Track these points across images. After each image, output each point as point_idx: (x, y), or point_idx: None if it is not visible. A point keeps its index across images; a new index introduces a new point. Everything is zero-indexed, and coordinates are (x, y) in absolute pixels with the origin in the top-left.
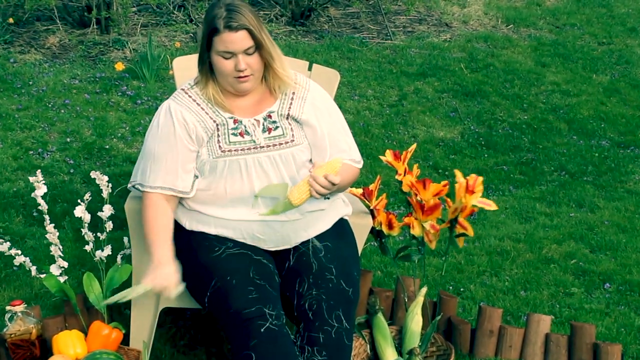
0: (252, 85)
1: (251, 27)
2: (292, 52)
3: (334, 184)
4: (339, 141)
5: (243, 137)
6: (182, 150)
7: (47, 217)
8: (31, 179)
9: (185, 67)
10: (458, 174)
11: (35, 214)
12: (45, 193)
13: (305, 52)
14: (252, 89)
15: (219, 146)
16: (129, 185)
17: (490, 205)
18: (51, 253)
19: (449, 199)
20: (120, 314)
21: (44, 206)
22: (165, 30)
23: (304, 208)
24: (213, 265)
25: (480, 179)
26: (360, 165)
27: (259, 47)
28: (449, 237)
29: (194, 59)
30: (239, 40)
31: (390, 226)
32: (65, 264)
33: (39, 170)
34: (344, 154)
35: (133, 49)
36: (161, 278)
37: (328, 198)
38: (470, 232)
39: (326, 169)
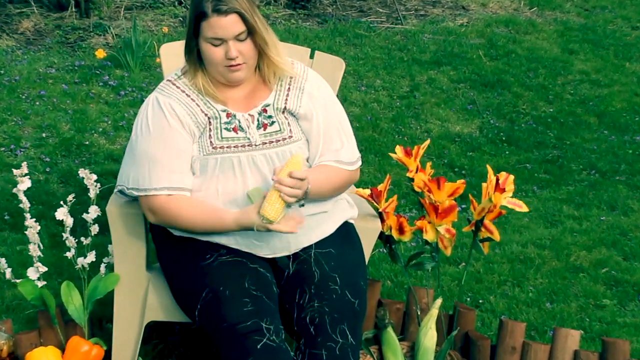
0: (245, 75)
1: (242, 11)
2: (292, 38)
3: (302, 179)
4: (331, 138)
5: (237, 134)
6: (182, 143)
7: (28, 215)
8: (15, 171)
9: (174, 54)
10: (490, 170)
11: (6, 216)
12: (14, 194)
13: (306, 38)
14: (245, 78)
15: (210, 142)
16: (116, 190)
17: (522, 207)
18: (30, 253)
19: (474, 199)
20: (101, 329)
21: (25, 203)
22: (152, 13)
23: (304, 211)
24: (204, 274)
25: (512, 177)
26: (354, 168)
27: (251, 32)
28: (472, 241)
29: (183, 45)
30: (229, 25)
31: (401, 231)
32: (45, 268)
33: (25, 163)
34: (333, 153)
35: (116, 35)
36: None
37: (302, 205)
38: (497, 236)
39: (289, 168)
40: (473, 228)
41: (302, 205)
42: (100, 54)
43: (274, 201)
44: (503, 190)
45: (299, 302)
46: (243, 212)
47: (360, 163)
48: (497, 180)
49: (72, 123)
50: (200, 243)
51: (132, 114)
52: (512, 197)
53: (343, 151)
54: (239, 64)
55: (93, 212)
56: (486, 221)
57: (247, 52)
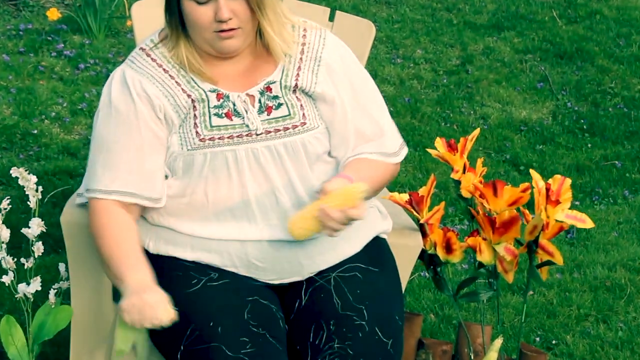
0: (240, 44)
1: None
2: None
3: (355, 220)
4: (363, 124)
5: (231, 120)
6: (148, 136)
7: None
8: None
9: (150, 16)
10: (535, 175)
11: None
12: None
13: None
14: (241, 48)
15: (197, 132)
16: (78, 201)
17: (585, 222)
18: None
19: (527, 212)
20: None
21: None
22: None
23: None
24: (189, 305)
25: (568, 181)
26: (399, 159)
27: None
28: (528, 267)
29: (162, 3)
30: None
31: (448, 249)
32: None
33: None
34: (375, 143)
35: None
36: (145, 305)
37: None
38: (559, 259)
39: (342, 201)
40: (526, 250)
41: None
42: (53, 14)
43: (309, 225)
44: (557, 202)
45: (315, 342)
46: (135, 292)
47: (405, 150)
48: (548, 188)
49: (16, 106)
50: (186, 264)
51: (95, 94)
52: (592, 203)
53: (385, 139)
54: (233, 29)
55: (35, 226)
56: (542, 241)
57: (243, 12)
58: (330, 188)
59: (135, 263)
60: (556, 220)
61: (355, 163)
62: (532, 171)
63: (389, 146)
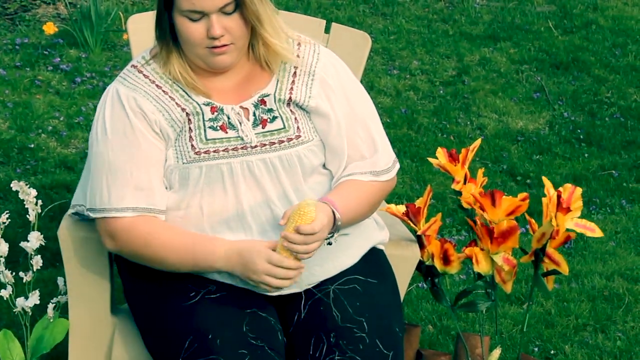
0: (233, 59)
1: None
2: (302, 6)
3: (314, 233)
4: (359, 140)
5: (226, 133)
6: (149, 151)
7: None
8: None
9: (146, 28)
10: (547, 183)
11: None
12: None
13: (320, 5)
14: (234, 63)
15: (192, 145)
16: (70, 212)
17: (594, 231)
18: None
19: (532, 220)
20: None
21: None
22: None
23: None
24: (187, 317)
25: (579, 190)
26: (390, 175)
27: (240, 4)
28: (533, 275)
29: None
30: None
31: (446, 260)
32: None
33: None
34: (366, 162)
35: (70, 3)
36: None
37: (330, 244)
38: (564, 268)
39: (296, 221)
40: (532, 258)
41: (330, 244)
42: (50, 28)
43: (282, 255)
44: (568, 210)
45: (315, 355)
46: (247, 245)
47: (397, 166)
48: (559, 196)
49: (13, 120)
50: (182, 276)
51: (92, 108)
52: (590, 213)
53: (378, 156)
54: (225, 45)
55: (34, 239)
56: (549, 249)
57: (236, 29)
58: (286, 212)
59: (212, 237)
60: (567, 230)
61: (344, 186)
62: (544, 179)
63: (381, 163)
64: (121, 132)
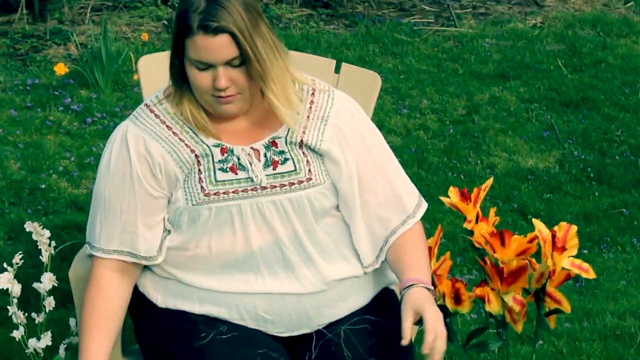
0: (239, 108)
1: (237, 31)
2: (312, 46)
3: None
4: (373, 185)
5: (236, 174)
6: (142, 197)
7: None
8: None
9: (157, 69)
10: (538, 224)
11: None
12: None
13: (330, 45)
14: (241, 111)
15: (202, 187)
16: (88, 250)
17: (588, 271)
18: None
19: (533, 260)
20: None
21: None
22: (127, 15)
23: (330, 275)
24: (198, 358)
25: (574, 228)
26: (422, 212)
27: (247, 59)
28: (536, 316)
29: (168, 57)
30: (217, 47)
31: (457, 299)
32: None
33: None
34: (395, 214)
35: (80, 44)
36: None
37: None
38: (566, 306)
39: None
40: (533, 299)
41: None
42: (60, 69)
43: None
44: (563, 249)
45: None
46: None
47: (423, 201)
48: (554, 235)
49: (24, 160)
50: (194, 317)
51: (102, 148)
52: (601, 252)
53: (403, 200)
54: (230, 95)
55: (47, 281)
56: (550, 289)
57: (242, 81)
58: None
59: (104, 333)
60: (563, 269)
61: (405, 257)
62: (534, 220)
63: (409, 206)
64: (120, 175)
